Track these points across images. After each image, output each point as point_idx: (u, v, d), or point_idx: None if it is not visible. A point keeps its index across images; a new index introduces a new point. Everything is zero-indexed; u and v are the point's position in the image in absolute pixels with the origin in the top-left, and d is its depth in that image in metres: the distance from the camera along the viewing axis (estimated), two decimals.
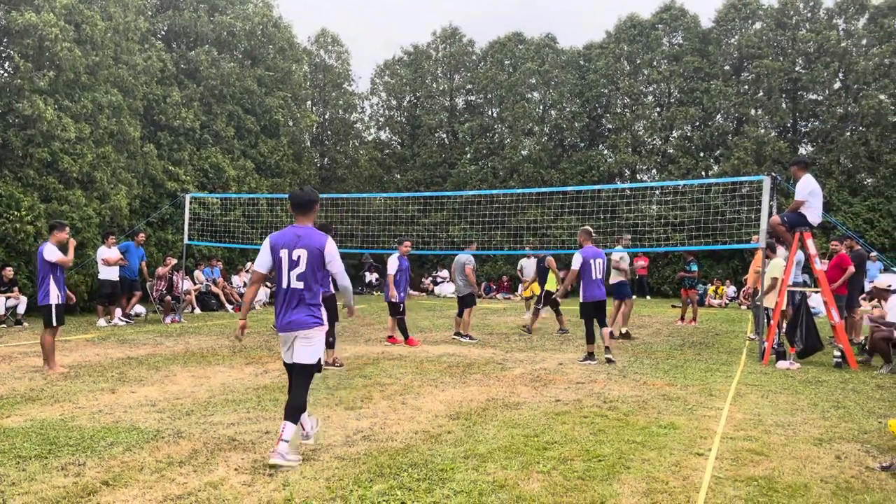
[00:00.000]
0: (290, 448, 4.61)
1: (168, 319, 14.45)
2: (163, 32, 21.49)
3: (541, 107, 29.17)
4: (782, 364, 8.97)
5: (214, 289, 17.74)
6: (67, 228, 8.72)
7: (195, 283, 17.25)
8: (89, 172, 15.35)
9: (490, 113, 30.58)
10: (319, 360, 4.96)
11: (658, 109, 27.25)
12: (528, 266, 16.91)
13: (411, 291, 24.36)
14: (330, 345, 8.68)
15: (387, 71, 32.19)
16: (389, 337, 11.32)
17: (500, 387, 7.48)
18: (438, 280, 26.60)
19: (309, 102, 30.63)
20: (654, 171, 27.51)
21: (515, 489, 4.14)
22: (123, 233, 15.60)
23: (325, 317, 4.95)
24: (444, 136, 31.41)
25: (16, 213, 13.81)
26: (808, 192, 9.39)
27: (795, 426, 5.77)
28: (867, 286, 12.58)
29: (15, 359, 9.10)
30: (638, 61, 27.05)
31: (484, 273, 26.79)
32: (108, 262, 13.57)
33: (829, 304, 9.49)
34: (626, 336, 12.05)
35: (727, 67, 25.83)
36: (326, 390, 7.14)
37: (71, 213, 14.67)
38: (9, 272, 13.34)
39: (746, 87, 25.23)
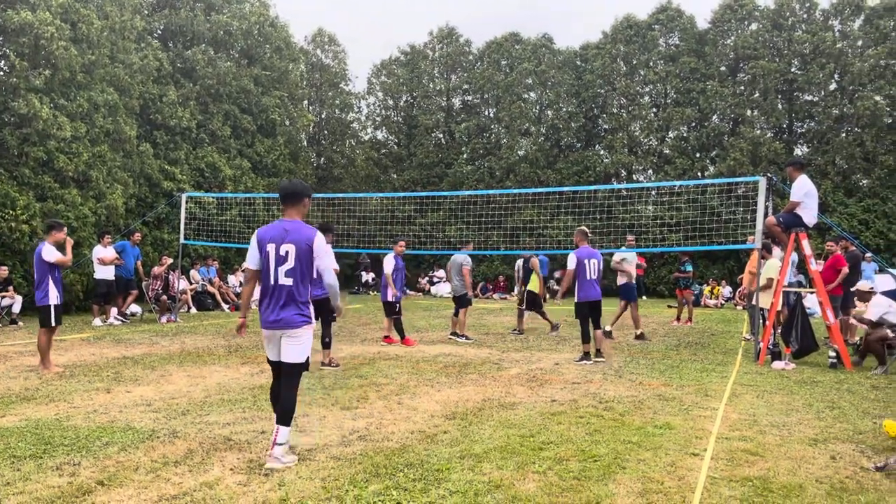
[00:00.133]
0: (284, 450, 4.60)
1: (164, 319, 14.41)
2: (159, 31, 21.46)
3: (537, 107, 29.20)
4: (777, 364, 8.99)
5: (210, 288, 17.72)
6: (65, 228, 8.70)
7: (191, 283, 17.23)
8: (85, 171, 15.31)
9: (487, 113, 30.59)
10: (308, 358, 4.83)
11: (654, 110, 27.30)
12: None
13: (408, 291, 24.36)
14: (326, 345, 8.67)
15: (383, 71, 32.18)
16: (385, 337, 11.32)
17: (497, 387, 7.48)
18: (435, 280, 26.60)
19: (305, 102, 30.63)
20: (650, 171, 27.57)
21: (511, 489, 4.15)
22: (119, 232, 15.56)
23: (313, 314, 4.83)
24: (441, 135, 31.42)
25: (11, 212, 13.77)
26: (804, 193, 9.42)
27: (790, 426, 5.79)
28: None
29: (10, 358, 9.07)
30: (634, 62, 27.10)
31: (480, 273, 26.78)
32: (104, 261, 13.53)
33: (824, 304, 9.52)
34: (641, 337, 12.03)
35: (723, 68, 25.89)
36: (322, 390, 7.14)
37: (67, 213, 14.63)
38: (3, 271, 13.30)
39: (742, 87, 25.30)
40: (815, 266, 9.74)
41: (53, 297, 8.23)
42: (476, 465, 4.60)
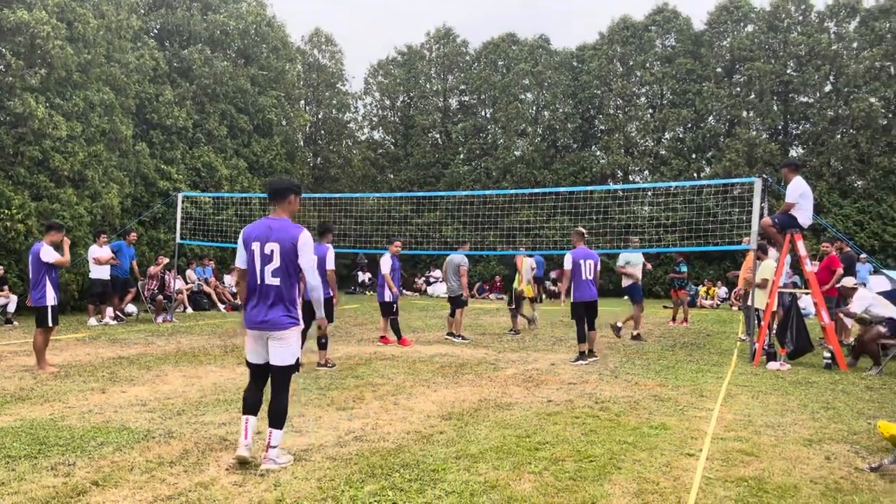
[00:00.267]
0: (279, 452, 4.59)
1: (159, 319, 14.39)
2: (155, 31, 21.40)
3: (534, 108, 29.23)
4: (773, 365, 9.02)
5: (206, 288, 17.69)
6: (65, 230, 8.69)
7: (187, 283, 17.19)
8: (81, 171, 15.27)
9: (483, 113, 30.60)
10: (297, 359, 4.74)
11: (650, 111, 27.36)
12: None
13: (405, 291, 24.34)
14: (322, 345, 8.67)
15: (380, 71, 32.16)
16: (382, 337, 11.31)
17: (493, 387, 7.49)
18: (431, 280, 26.60)
19: (302, 102, 30.57)
20: (646, 172, 27.62)
21: (507, 489, 4.15)
22: (115, 231, 15.52)
23: (300, 315, 4.74)
24: (438, 136, 31.41)
25: (6, 211, 13.73)
26: (799, 195, 9.46)
27: (785, 427, 5.81)
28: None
29: (5, 358, 9.04)
30: (631, 63, 27.14)
31: (477, 273, 26.80)
32: (100, 260, 13.51)
33: (819, 305, 9.56)
34: (637, 338, 12.05)
35: (719, 69, 25.96)
36: (318, 391, 7.13)
37: (62, 212, 14.59)
38: None
39: (738, 89, 25.36)
40: (810, 267, 9.78)
41: (51, 297, 8.24)
42: (472, 466, 4.61)
